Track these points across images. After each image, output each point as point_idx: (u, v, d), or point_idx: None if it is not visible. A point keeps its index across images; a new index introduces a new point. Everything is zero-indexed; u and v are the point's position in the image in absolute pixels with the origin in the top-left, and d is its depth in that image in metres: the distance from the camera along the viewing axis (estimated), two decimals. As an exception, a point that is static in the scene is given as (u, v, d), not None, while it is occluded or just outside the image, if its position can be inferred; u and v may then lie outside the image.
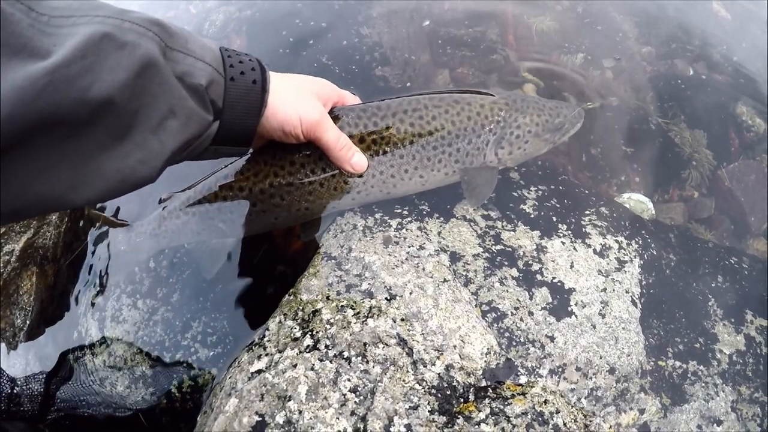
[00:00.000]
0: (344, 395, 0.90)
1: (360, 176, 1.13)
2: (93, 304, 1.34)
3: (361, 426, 0.87)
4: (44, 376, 1.28)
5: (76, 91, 0.64)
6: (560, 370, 1.06)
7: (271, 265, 1.30)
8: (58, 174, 0.68)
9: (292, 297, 1.11)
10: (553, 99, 1.40)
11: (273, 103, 0.95)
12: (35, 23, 0.63)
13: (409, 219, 1.23)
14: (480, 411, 0.93)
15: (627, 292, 1.20)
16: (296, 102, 0.99)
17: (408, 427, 0.87)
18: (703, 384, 1.18)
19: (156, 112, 0.75)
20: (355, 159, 1.09)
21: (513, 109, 1.21)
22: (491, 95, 1.23)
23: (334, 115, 1.11)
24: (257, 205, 1.14)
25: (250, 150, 1.13)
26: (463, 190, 1.24)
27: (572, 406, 1.01)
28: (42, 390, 1.25)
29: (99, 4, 0.71)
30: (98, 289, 1.35)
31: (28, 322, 1.40)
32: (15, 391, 1.28)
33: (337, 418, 0.87)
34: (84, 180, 0.71)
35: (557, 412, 0.96)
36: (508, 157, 1.25)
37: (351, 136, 1.10)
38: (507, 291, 1.13)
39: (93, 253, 1.39)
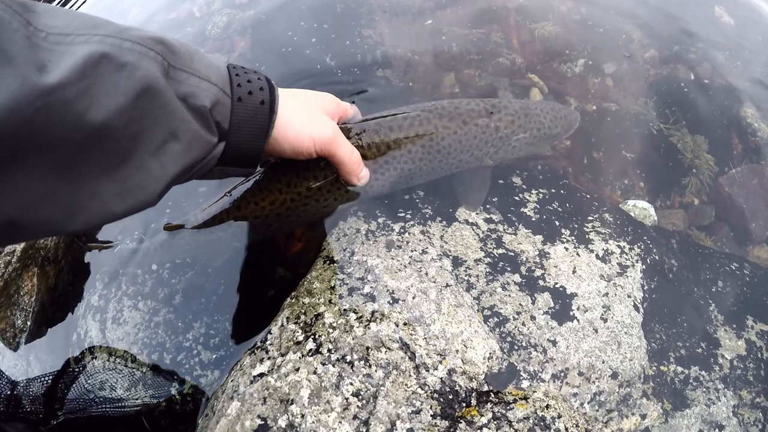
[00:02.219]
0: (347, 399, 0.90)
1: (371, 187, 1.16)
2: (94, 306, 1.34)
3: (364, 430, 0.87)
4: (45, 377, 1.27)
5: (72, 115, 0.61)
6: (562, 374, 1.06)
7: (273, 268, 1.30)
8: (56, 198, 0.65)
9: (294, 300, 1.11)
10: (555, 103, 1.45)
11: (283, 124, 0.92)
12: (33, 36, 0.60)
13: (412, 223, 1.23)
14: (482, 415, 0.93)
15: (629, 296, 1.20)
16: (307, 122, 0.97)
17: (410, 431, 0.87)
18: (705, 389, 1.18)
19: (157, 136, 0.72)
20: (363, 173, 1.11)
21: (516, 125, 1.26)
22: (489, 107, 1.25)
23: (348, 135, 1.12)
24: (272, 225, 1.18)
25: (259, 170, 1.13)
26: (459, 195, 1.27)
27: (574, 411, 1.01)
28: (43, 392, 1.25)
29: (98, 22, 0.68)
30: (99, 291, 1.34)
31: (28, 323, 1.40)
32: (15, 393, 1.27)
33: (340, 422, 0.87)
34: (82, 204, 0.68)
35: (559, 416, 0.96)
36: (501, 158, 1.32)
37: (364, 157, 1.13)
38: (509, 296, 1.13)
39: (96, 258, 1.39)
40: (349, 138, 1.11)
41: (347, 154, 1.04)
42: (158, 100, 0.70)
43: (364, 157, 1.13)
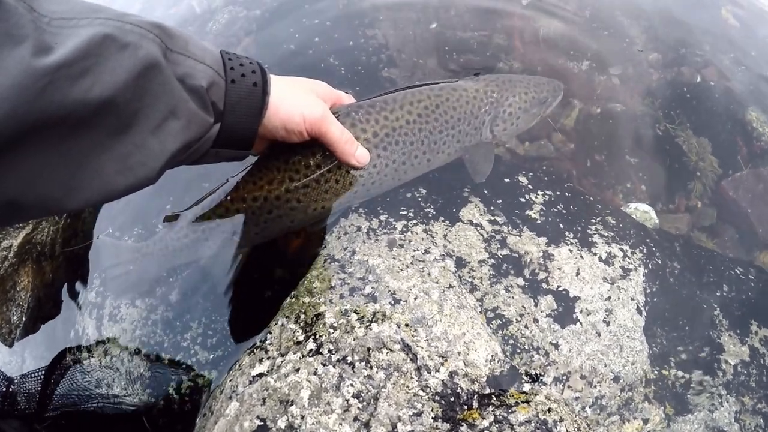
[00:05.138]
0: (347, 401, 0.89)
1: (374, 167, 1.15)
2: (91, 302, 1.32)
3: (364, 432, 0.86)
4: (41, 374, 1.26)
5: (77, 92, 0.64)
6: (565, 377, 1.05)
7: (272, 267, 1.28)
8: (58, 175, 0.67)
9: (294, 299, 1.09)
10: (533, 75, 1.52)
11: (274, 103, 0.95)
12: (37, 21, 0.63)
13: (415, 221, 1.22)
14: (484, 418, 0.92)
15: (632, 299, 1.19)
16: (297, 100, 1.00)
17: (411, 434, 0.86)
18: (708, 394, 1.17)
19: (157, 113, 0.75)
20: (359, 152, 1.11)
21: (503, 90, 1.34)
22: (456, 80, 1.32)
23: (345, 112, 1.13)
24: (273, 211, 1.14)
25: (251, 155, 1.11)
26: (468, 169, 1.32)
27: (576, 415, 1.00)
28: (38, 389, 1.23)
29: (99, 8, 0.71)
30: (96, 287, 1.33)
31: (24, 319, 1.38)
32: (10, 390, 1.26)
33: (340, 424, 0.86)
34: (83, 181, 0.70)
35: (561, 420, 0.95)
36: (503, 133, 1.37)
37: (364, 131, 1.13)
38: (512, 298, 1.12)
39: (94, 253, 1.36)
40: (346, 117, 1.12)
41: (338, 133, 1.05)
42: (159, 78, 0.73)
43: (364, 132, 1.13)
